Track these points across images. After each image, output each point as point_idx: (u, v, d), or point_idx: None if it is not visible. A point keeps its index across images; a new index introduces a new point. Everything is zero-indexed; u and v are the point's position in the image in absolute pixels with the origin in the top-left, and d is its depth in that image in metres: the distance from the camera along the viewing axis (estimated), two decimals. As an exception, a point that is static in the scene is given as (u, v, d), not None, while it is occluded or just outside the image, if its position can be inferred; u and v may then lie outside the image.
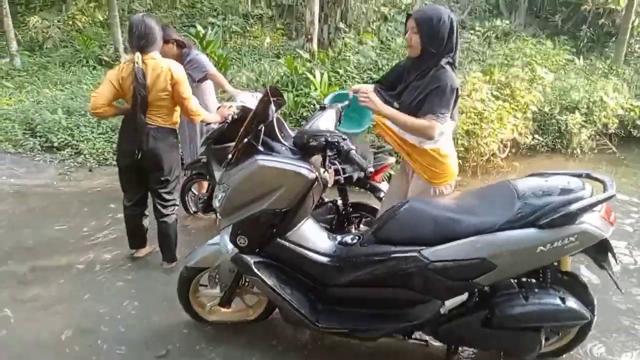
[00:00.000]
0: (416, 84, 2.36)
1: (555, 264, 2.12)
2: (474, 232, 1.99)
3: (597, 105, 6.55)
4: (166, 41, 3.52)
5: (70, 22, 10.63)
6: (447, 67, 2.32)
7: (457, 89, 2.32)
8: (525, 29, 11.07)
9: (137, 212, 3.22)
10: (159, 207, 3.14)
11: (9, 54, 9.06)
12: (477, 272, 1.99)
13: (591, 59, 9.43)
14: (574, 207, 1.90)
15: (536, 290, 2.05)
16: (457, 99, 2.38)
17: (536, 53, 7.43)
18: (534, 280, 2.13)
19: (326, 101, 2.54)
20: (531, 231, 1.93)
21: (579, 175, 2.16)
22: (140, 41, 2.83)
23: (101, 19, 10.73)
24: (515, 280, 2.12)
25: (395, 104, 2.39)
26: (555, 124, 6.41)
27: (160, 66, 2.85)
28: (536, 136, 6.18)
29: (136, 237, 3.31)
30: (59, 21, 10.61)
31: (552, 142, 6.41)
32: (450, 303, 2.09)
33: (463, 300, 2.09)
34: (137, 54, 2.82)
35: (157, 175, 3.04)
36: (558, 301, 2.00)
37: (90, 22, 10.76)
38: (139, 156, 2.95)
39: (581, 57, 9.30)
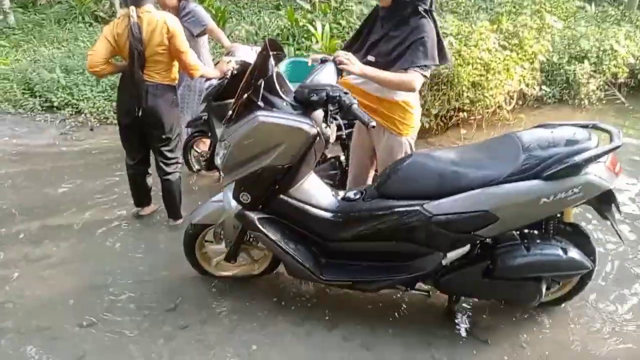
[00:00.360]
0: (394, 34, 2.30)
1: (558, 215, 2.12)
2: (477, 185, 1.99)
3: (607, 54, 6.34)
4: None
5: (64, -24, 10.28)
6: (424, 15, 2.26)
7: (433, 39, 2.28)
8: (535, -26, 10.59)
9: (140, 170, 3.22)
10: (161, 165, 3.13)
11: (2, 11, 8.81)
12: (479, 225, 2.00)
13: (603, 6, 9.08)
14: (579, 158, 1.88)
15: (538, 241, 2.07)
16: (440, 48, 2.35)
17: (545, 0, 7.14)
18: (536, 232, 2.14)
19: (281, 69, 2.46)
20: (535, 183, 1.92)
21: (586, 126, 2.13)
22: None
23: (95, -28, 10.34)
24: (518, 232, 2.13)
25: (370, 57, 2.36)
26: (563, 74, 6.24)
27: (156, 19, 2.76)
28: (543, 87, 6.04)
29: (140, 196, 3.33)
30: (51, -25, 10.27)
31: (560, 93, 6.27)
32: (452, 255, 2.11)
33: (465, 252, 2.11)
34: (132, 7, 2.72)
35: (158, 133, 3.01)
36: (560, 252, 2.01)
37: (84, -25, 10.38)
38: (139, 114, 2.91)
39: (593, 3, 8.94)
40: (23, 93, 5.84)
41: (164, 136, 3.03)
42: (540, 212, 1.98)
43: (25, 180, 4.03)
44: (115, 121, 5.22)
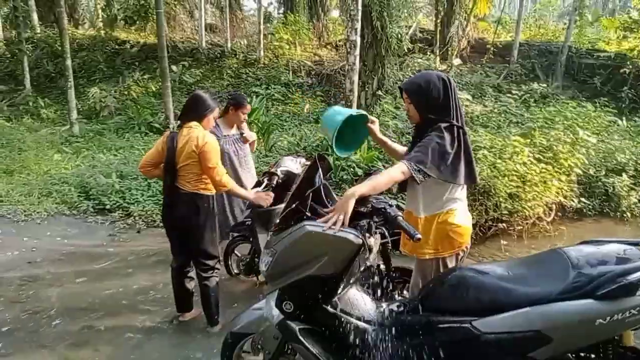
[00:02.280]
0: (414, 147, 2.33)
1: (617, 338, 2.00)
2: (527, 302, 1.93)
3: (645, 167, 6.35)
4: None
5: (126, 92, 11.51)
6: (444, 128, 2.27)
7: (448, 150, 2.24)
8: (564, 92, 11.07)
9: (181, 274, 3.31)
10: (198, 270, 3.23)
11: (69, 121, 9.81)
12: (532, 346, 1.90)
13: (635, 120, 9.25)
14: (634, 277, 1.82)
15: (597, 366, 1.93)
16: (458, 161, 2.30)
17: (577, 115, 7.37)
18: (593, 356, 2.00)
19: (353, 113, 2.50)
20: (588, 302, 1.85)
21: (636, 244, 2.08)
22: (183, 111, 3.16)
23: (154, 89, 11.54)
24: (574, 355, 2.01)
25: None
26: (601, 187, 6.22)
27: (191, 133, 3.05)
28: (582, 199, 6.00)
29: (182, 300, 3.37)
30: (115, 91, 11.50)
31: (600, 205, 6.19)
32: (505, 379, 1.99)
33: (519, 376, 1.98)
34: (177, 122, 3.13)
35: (191, 240, 3.16)
36: (621, 379, 1.87)
37: (144, 92, 11.60)
38: (168, 219, 3.18)
39: (624, 118, 9.14)
40: (79, 196, 6.27)
41: (197, 244, 3.16)
42: (596, 333, 1.88)
43: (72, 280, 4.16)
44: (162, 224, 5.51)
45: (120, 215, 5.80)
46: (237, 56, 12.84)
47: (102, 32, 14.59)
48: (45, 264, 4.51)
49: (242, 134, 4.16)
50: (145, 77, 12.01)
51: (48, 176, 7.03)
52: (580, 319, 1.85)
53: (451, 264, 2.44)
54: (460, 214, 2.43)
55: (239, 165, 4.13)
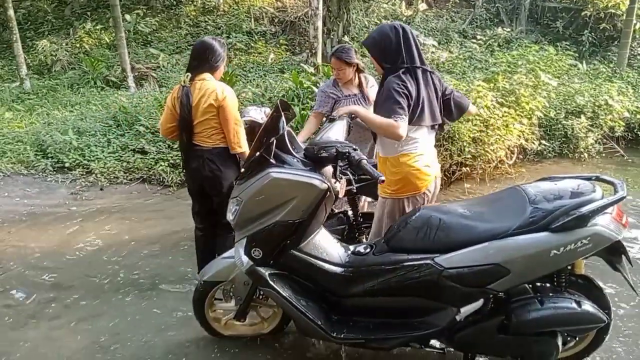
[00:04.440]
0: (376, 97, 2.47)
1: (569, 267, 2.12)
2: (487, 237, 2.01)
3: (602, 109, 6.55)
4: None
5: (78, 45, 10.83)
6: (401, 74, 2.36)
7: (406, 92, 2.32)
8: (527, 36, 11.13)
9: (207, 235, 3.10)
10: (219, 230, 3.05)
11: (19, 77, 9.25)
12: (491, 278, 2.00)
13: (594, 64, 9.45)
14: (585, 209, 1.91)
15: (551, 294, 2.05)
16: (417, 104, 2.38)
17: (539, 59, 7.46)
18: (548, 285, 2.13)
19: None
20: (543, 235, 1.94)
21: (589, 179, 2.18)
22: (192, 62, 2.87)
23: (108, 41, 10.92)
24: (530, 286, 2.12)
25: None
26: (561, 129, 6.42)
27: (207, 87, 2.80)
28: (543, 142, 6.18)
29: (207, 261, 2.81)
30: (66, 44, 10.82)
31: (559, 147, 6.41)
32: (465, 310, 2.09)
33: (478, 307, 2.09)
34: (187, 74, 2.84)
35: (219, 199, 2.89)
36: (573, 305, 2.00)
37: (97, 44, 10.95)
38: (198, 180, 2.92)
39: (584, 62, 9.32)
40: (36, 154, 6.00)
41: (223, 201, 2.68)
42: (551, 264, 1.98)
43: (35, 240, 4.06)
44: (125, 181, 5.39)
45: (81, 173, 5.60)
46: (195, 3, 12.19)
47: (47, -22, 13.51)
48: (5, 225, 4.37)
49: None
50: (97, 27, 11.29)
51: (0, 135, 6.67)
52: (536, 250, 1.94)
53: (409, 207, 2.50)
54: (421, 159, 2.47)
55: None
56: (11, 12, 8.91)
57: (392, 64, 2.40)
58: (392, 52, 2.39)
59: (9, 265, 3.63)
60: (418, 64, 2.42)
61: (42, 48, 10.35)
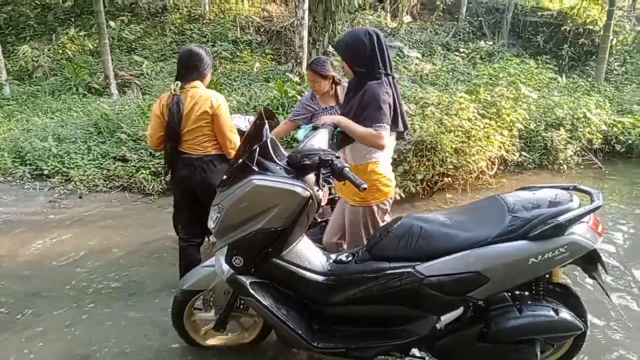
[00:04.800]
0: (354, 102, 2.46)
1: (547, 276, 2.15)
2: (467, 246, 2.03)
3: (581, 122, 6.70)
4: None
5: (60, 51, 10.71)
6: (382, 81, 2.41)
7: (389, 101, 2.39)
8: (509, 50, 11.36)
9: (191, 245, 3.05)
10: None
11: (-2, 83, 9.08)
12: (471, 286, 2.02)
13: (573, 77, 9.69)
14: (563, 218, 1.94)
15: (529, 302, 2.08)
16: (394, 111, 2.45)
17: (520, 72, 7.62)
18: (527, 293, 2.15)
19: (300, 136, 2.59)
20: (522, 243, 1.96)
21: (567, 188, 2.22)
22: (181, 70, 2.85)
23: (91, 47, 10.82)
24: (509, 294, 2.15)
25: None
26: (541, 141, 6.53)
27: (200, 94, 2.79)
28: (523, 153, 6.29)
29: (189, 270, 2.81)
30: (49, 50, 10.69)
31: (539, 158, 6.52)
32: (445, 318, 2.10)
33: (458, 315, 2.10)
34: (177, 82, 2.81)
35: (205, 207, 2.75)
36: (551, 312, 2.02)
37: (80, 50, 10.84)
38: (165, 180, 2.85)
39: (564, 75, 9.56)
40: (13, 161, 5.88)
41: None
42: (529, 272, 2.01)
43: (10, 249, 3.96)
44: (105, 189, 5.31)
45: (60, 180, 5.49)
46: (181, 11, 12.17)
47: (30, -16, 13.36)
48: (-21, 234, 4.26)
49: None
50: (81, 34, 11.18)
51: (-23, 141, 6.53)
52: (515, 259, 1.97)
53: (378, 213, 2.55)
54: (385, 164, 2.56)
55: None
56: (-8, 16, 8.77)
57: (366, 69, 2.43)
58: (367, 57, 2.42)
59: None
60: (389, 70, 2.48)
61: (23, 53, 10.21)
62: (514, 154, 6.01)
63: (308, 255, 2.28)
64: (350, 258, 2.30)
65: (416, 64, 9.44)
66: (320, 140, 2.28)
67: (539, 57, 10.00)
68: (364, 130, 2.32)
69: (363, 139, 2.35)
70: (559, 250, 1.95)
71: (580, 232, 1.98)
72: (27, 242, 4.10)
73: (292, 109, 6.18)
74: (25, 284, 3.39)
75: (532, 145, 6.56)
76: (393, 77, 2.49)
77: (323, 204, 2.28)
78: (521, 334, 2.03)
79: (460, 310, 2.10)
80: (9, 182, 5.54)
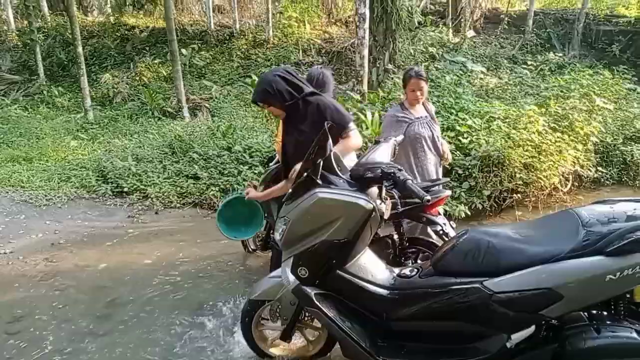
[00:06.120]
0: (302, 128, 2.68)
1: (628, 295, 2.01)
2: (538, 261, 1.95)
3: (665, 134, 6.22)
4: None
5: (137, 78, 11.57)
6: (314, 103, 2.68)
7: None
8: (581, 61, 10.81)
9: None
10: None
11: (83, 109, 9.95)
12: (543, 303, 1.93)
13: (655, 87, 9.01)
14: (644, 233, 1.83)
15: (608, 322, 1.95)
16: None
17: (593, 83, 7.22)
18: (605, 313, 2.02)
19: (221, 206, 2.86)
20: (598, 259, 1.86)
21: (647, 202, 2.08)
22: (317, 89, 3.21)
23: (165, 73, 11.59)
24: (586, 314, 2.03)
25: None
26: (619, 155, 6.12)
27: None
28: (599, 168, 5.92)
29: None
30: (127, 77, 11.59)
31: (618, 174, 6.10)
32: (517, 337, 2.02)
33: (530, 334, 2.02)
34: None
35: None
36: (633, 334, 1.88)
37: (155, 76, 11.65)
38: None
39: (643, 85, 8.92)
40: (97, 180, 6.40)
41: None
42: (607, 289, 1.89)
43: (96, 260, 4.30)
44: (179, 205, 5.62)
45: (138, 197, 5.91)
46: (246, 37, 12.77)
47: (111, 18, 14.61)
48: (68, 246, 4.65)
49: None
50: (155, 61, 12.05)
51: (66, 162, 7.18)
52: (591, 275, 1.87)
53: None
54: None
55: None
56: (80, 49, 9.67)
57: (292, 99, 2.65)
58: (288, 91, 2.65)
59: (70, 282, 3.85)
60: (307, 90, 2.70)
61: (105, 81, 11.15)
62: (589, 169, 5.68)
63: (372, 269, 2.30)
64: (414, 272, 2.29)
65: (481, 79, 9.24)
66: (382, 154, 2.31)
67: (614, 68, 9.41)
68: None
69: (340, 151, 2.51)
70: (639, 267, 1.83)
71: (664, 248, 1.85)
72: (109, 253, 4.43)
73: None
74: (106, 291, 3.66)
75: (609, 160, 6.16)
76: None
77: (386, 217, 2.28)
78: (599, 356, 1.91)
79: (532, 328, 2.01)
80: (92, 199, 6.02)
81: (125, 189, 6.06)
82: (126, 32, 13.55)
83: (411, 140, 3.50)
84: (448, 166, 4.43)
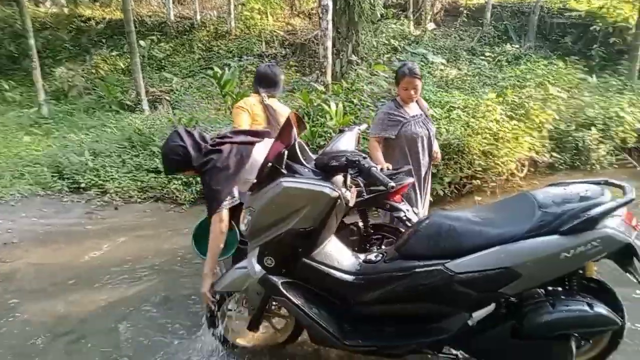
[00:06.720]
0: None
1: (581, 271, 2.12)
2: (497, 242, 2.02)
3: (613, 121, 6.53)
4: None
5: (94, 71, 11.17)
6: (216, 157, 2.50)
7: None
8: (536, 52, 11.17)
9: None
10: None
11: (37, 103, 9.52)
12: (502, 282, 2.01)
13: (605, 77, 9.43)
14: (595, 212, 1.92)
15: (563, 297, 2.05)
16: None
17: (548, 73, 7.50)
18: (560, 289, 2.12)
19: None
20: (553, 238, 1.95)
21: (598, 183, 2.19)
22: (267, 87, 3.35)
23: (122, 66, 11.23)
24: (542, 290, 2.12)
25: None
26: (572, 141, 6.38)
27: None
28: (554, 154, 6.16)
29: None
30: (83, 70, 11.15)
31: (571, 159, 6.37)
32: (477, 315, 2.09)
33: (490, 312, 2.09)
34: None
35: None
36: (586, 307, 1.98)
37: (113, 69, 11.27)
38: None
39: (594, 75, 9.32)
40: (52, 176, 6.14)
41: None
42: (562, 267, 1.98)
43: (52, 258, 4.14)
44: (139, 200, 5.48)
45: (96, 193, 5.72)
46: (207, 28, 12.52)
47: (65, 9, 14.00)
48: (22, 244, 4.46)
49: None
50: (113, 54, 11.65)
51: (18, 158, 6.85)
52: (547, 253, 1.95)
53: None
54: None
55: None
56: (32, 41, 9.23)
57: (200, 157, 2.47)
58: (188, 152, 2.46)
59: (25, 282, 3.70)
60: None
61: (60, 75, 10.69)
62: (544, 155, 5.91)
63: (337, 256, 2.32)
64: (379, 257, 2.32)
65: (441, 70, 9.41)
66: (346, 142, 2.32)
67: (567, 58, 9.79)
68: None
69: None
70: (591, 244, 1.92)
71: (613, 226, 1.95)
72: (66, 251, 4.27)
73: (318, 117, 6.28)
74: (62, 289, 3.54)
75: (563, 146, 6.41)
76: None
77: (351, 204, 2.30)
78: (555, 329, 2.00)
79: (492, 306, 2.09)
80: (48, 196, 5.79)
81: (83, 185, 5.86)
82: (82, 24, 13.04)
83: (408, 140, 3.38)
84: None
